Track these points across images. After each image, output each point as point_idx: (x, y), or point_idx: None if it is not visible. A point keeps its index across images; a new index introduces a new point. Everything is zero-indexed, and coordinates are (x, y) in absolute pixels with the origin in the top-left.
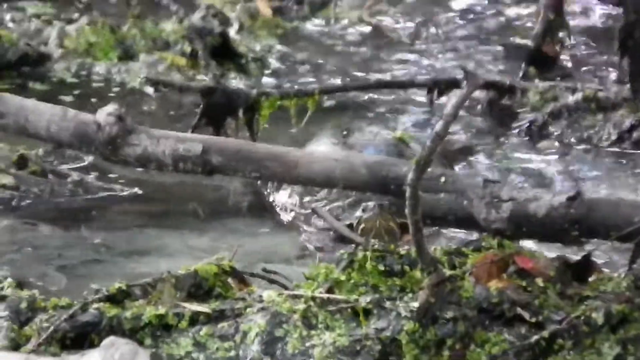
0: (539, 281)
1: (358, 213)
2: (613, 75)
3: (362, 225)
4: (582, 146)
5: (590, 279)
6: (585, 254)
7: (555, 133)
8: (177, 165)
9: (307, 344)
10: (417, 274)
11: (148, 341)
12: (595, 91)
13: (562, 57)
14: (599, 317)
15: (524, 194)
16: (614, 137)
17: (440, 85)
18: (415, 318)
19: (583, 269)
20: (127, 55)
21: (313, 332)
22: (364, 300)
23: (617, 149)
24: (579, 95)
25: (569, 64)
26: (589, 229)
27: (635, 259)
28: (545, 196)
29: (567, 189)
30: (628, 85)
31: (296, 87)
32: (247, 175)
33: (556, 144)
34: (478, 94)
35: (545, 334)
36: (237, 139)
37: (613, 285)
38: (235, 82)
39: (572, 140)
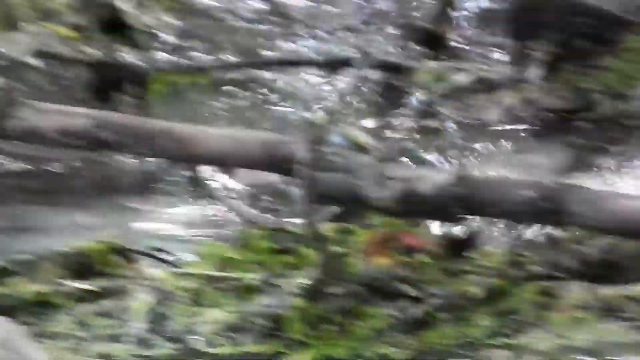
0: (423, 257)
1: None
2: (499, 55)
3: None
4: (470, 125)
5: (471, 255)
6: (467, 230)
7: (445, 113)
8: (64, 140)
9: (194, 321)
10: (307, 251)
11: (28, 319)
12: (482, 71)
13: (451, 37)
14: (477, 291)
15: (413, 173)
16: (498, 117)
17: (334, 64)
18: (303, 295)
19: (465, 245)
20: (10, 25)
21: (201, 309)
22: (254, 278)
23: (503, 129)
24: (466, 75)
25: (458, 44)
26: (473, 207)
27: (513, 235)
28: (433, 175)
29: (454, 168)
30: (514, 66)
31: (190, 62)
32: (137, 152)
33: (445, 123)
34: (371, 73)
35: (426, 307)
36: (128, 114)
37: (492, 260)
38: (127, 55)
39: (461, 119)
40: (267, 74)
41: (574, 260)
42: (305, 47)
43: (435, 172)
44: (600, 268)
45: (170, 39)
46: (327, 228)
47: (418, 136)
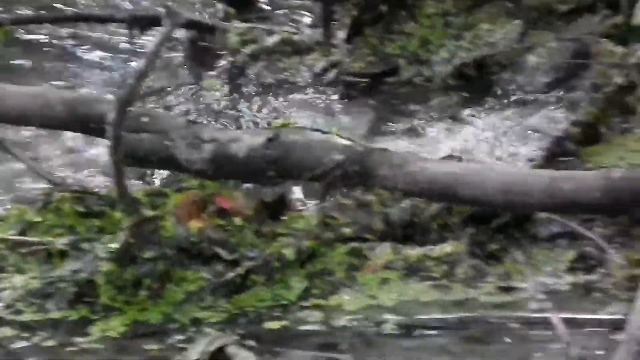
0: (237, 220)
1: None
2: (307, 19)
3: None
4: (279, 87)
5: (284, 217)
6: (280, 193)
7: (254, 74)
8: None
9: None
10: (117, 215)
11: None
12: (290, 34)
13: None
14: (290, 253)
15: (225, 134)
16: (309, 80)
17: (140, 22)
18: (113, 259)
19: (278, 208)
20: None
21: (3, 275)
22: (60, 242)
23: (311, 91)
24: (275, 38)
25: (266, 7)
26: (285, 169)
27: (324, 198)
28: (245, 137)
29: (266, 131)
30: (320, 29)
31: None
32: None
33: (254, 84)
34: (179, 32)
35: (240, 270)
36: None
37: (304, 222)
38: None
39: (270, 81)
40: (74, 31)
41: (381, 222)
42: (113, 4)
43: (248, 134)
44: (405, 229)
45: None
46: (138, 190)
47: (229, 97)
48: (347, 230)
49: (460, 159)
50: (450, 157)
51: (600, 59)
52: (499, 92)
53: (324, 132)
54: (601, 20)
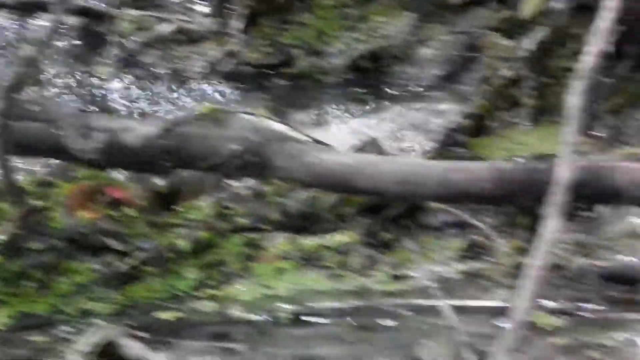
0: (130, 210)
1: None
2: (202, 8)
3: None
4: (174, 77)
5: (178, 208)
6: (174, 183)
7: (148, 62)
8: None
9: None
10: (3, 205)
11: None
12: (185, 23)
13: None
14: (184, 244)
15: (118, 124)
16: (204, 70)
17: (29, 7)
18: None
19: (172, 198)
20: None
21: None
22: None
23: (206, 81)
24: (169, 26)
25: None
26: (180, 159)
27: (220, 185)
28: (139, 126)
29: (162, 120)
30: (216, 19)
31: None
32: None
33: (148, 73)
34: (70, 19)
35: (132, 261)
36: None
37: (199, 213)
38: None
39: (164, 71)
40: None
41: (277, 212)
42: None
43: (142, 124)
44: (300, 219)
45: None
46: (25, 180)
47: (121, 86)
48: (242, 221)
49: (361, 150)
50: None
51: (489, 52)
52: (394, 84)
53: (251, 114)
54: (491, 13)
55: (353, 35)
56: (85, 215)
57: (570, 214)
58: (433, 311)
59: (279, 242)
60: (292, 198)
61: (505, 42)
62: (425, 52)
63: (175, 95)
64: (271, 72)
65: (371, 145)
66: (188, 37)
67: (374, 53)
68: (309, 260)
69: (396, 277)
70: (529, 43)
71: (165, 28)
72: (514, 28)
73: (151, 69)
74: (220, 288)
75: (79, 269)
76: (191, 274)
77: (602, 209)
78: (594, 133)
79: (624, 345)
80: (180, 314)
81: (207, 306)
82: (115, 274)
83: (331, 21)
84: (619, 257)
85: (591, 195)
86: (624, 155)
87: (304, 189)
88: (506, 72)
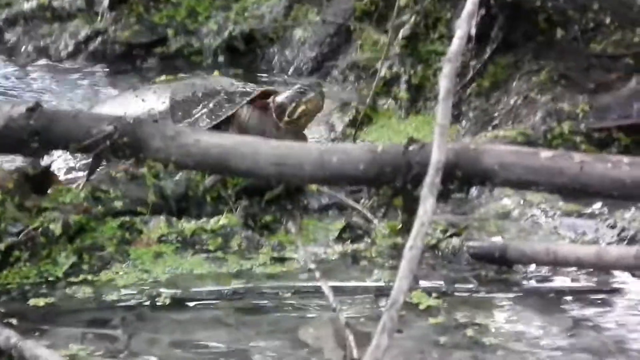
0: None
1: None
2: None
3: (303, 107)
4: (41, 57)
5: (49, 191)
6: (44, 166)
7: (12, 41)
8: None
9: None
10: None
11: None
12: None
13: None
14: (56, 227)
15: None
16: (70, 49)
17: None
18: None
19: (42, 181)
20: None
21: None
22: None
23: (74, 60)
24: (33, 3)
25: None
26: (49, 140)
27: (93, 170)
28: (4, 107)
29: (27, 100)
30: None
31: None
32: None
33: (15, 52)
34: None
35: (1, 246)
36: None
37: (72, 196)
38: None
39: (30, 49)
40: None
41: (154, 195)
42: None
43: (8, 104)
44: (179, 202)
45: None
46: None
47: None
48: (118, 204)
49: None
50: None
51: (362, 40)
52: (267, 66)
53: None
54: None
55: (226, 15)
56: None
57: (444, 195)
58: (315, 293)
59: (157, 225)
60: (169, 180)
61: (380, 36)
62: (298, 34)
63: (41, 74)
64: (142, 51)
65: None
66: (54, 15)
67: (247, 34)
68: (188, 243)
69: (277, 260)
70: (402, 32)
71: (28, 4)
72: (384, 12)
73: (15, 46)
74: (96, 273)
75: None
76: (65, 258)
77: (474, 191)
78: (462, 116)
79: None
80: (53, 300)
81: (83, 291)
82: None
83: (203, 1)
84: (491, 237)
85: (462, 177)
86: (492, 138)
87: (181, 170)
88: (384, 69)
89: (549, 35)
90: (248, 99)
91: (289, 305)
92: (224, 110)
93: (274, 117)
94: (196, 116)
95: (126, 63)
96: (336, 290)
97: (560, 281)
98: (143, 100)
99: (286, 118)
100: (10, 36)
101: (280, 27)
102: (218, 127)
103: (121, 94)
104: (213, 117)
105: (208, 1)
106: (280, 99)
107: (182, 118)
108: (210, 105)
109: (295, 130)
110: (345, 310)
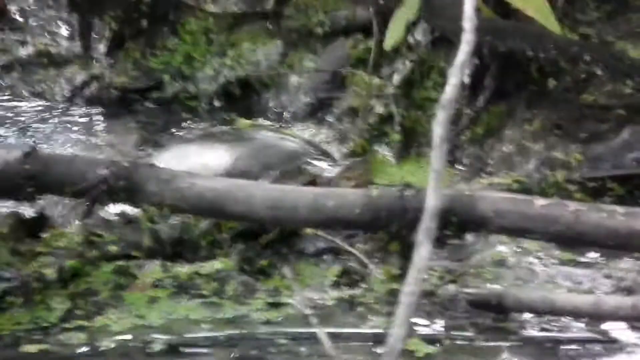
0: None
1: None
2: (64, 30)
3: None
4: (36, 101)
5: (44, 235)
6: (39, 209)
7: (8, 86)
8: None
9: None
10: None
11: None
12: (47, 46)
13: (10, 8)
14: (50, 272)
15: None
16: (67, 93)
17: None
18: None
19: (37, 225)
20: None
21: None
22: None
23: (71, 104)
24: (30, 49)
25: (19, 18)
26: (45, 185)
27: (89, 213)
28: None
29: (22, 145)
30: (79, 42)
31: None
32: None
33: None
34: None
35: None
36: None
37: (66, 240)
38: None
39: (25, 94)
40: None
41: (148, 239)
42: None
43: (3, 148)
44: (174, 246)
45: None
46: None
47: None
48: (113, 248)
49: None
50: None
51: (356, 86)
52: (263, 111)
53: None
54: (354, 44)
55: (221, 61)
56: None
57: (440, 242)
58: (311, 339)
59: (152, 269)
60: (164, 224)
61: (373, 79)
62: (294, 80)
63: (38, 119)
64: (139, 96)
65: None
66: (50, 60)
67: (243, 80)
68: (184, 288)
69: (273, 305)
70: (396, 79)
71: (25, 50)
72: (378, 59)
73: (11, 92)
74: (91, 318)
75: None
76: (59, 304)
77: (470, 238)
78: (457, 162)
79: None
80: (47, 347)
81: (77, 337)
82: None
83: (199, 46)
84: (487, 285)
85: (458, 223)
86: (487, 185)
87: (176, 214)
88: (379, 109)
89: (542, 84)
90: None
91: (285, 352)
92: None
93: None
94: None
95: (122, 107)
96: (333, 336)
97: (557, 330)
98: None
99: None
100: (6, 82)
101: (276, 73)
102: None
103: (186, 143)
104: None
105: (204, 47)
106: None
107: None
108: (277, 175)
109: None
110: (341, 357)
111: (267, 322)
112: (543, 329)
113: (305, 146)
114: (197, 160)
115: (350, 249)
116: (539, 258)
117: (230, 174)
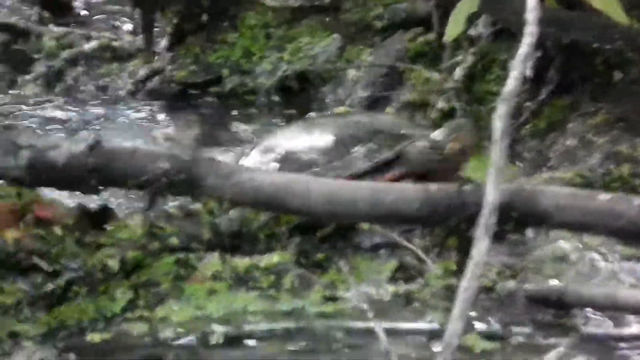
0: (57, 229)
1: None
2: (127, 25)
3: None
4: (100, 94)
5: (107, 227)
6: (103, 202)
7: (72, 80)
8: None
9: None
10: None
11: None
12: (110, 40)
13: (75, 3)
14: (114, 263)
15: (44, 141)
16: (129, 87)
17: None
18: None
19: (101, 217)
20: None
21: None
22: None
23: (133, 98)
24: (94, 43)
25: (83, 11)
26: (108, 177)
27: (151, 206)
28: (65, 144)
29: (87, 137)
30: (141, 36)
31: None
32: None
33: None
34: None
35: (60, 282)
36: None
37: (129, 232)
38: None
39: (89, 88)
40: None
41: (208, 232)
42: None
43: (68, 141)
44: (233, 239)
45: None
46: None
47: (46, 103)
48: (173, 240)
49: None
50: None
51: (415, 80)
52: (321, 105)
53: None
54: (413, 37)
55: (280, 55)
56: (11, 234)
57: (499, 237)
58: (366, 333)
59: (211, 262)
60: (223, 217)
61: (432, 74)
62: (352, 73)
63: (101, 112)
64: (197, 90)
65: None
66: (113, 55)
67: (300, 74)
68: (242, 280)
69: (329, 299)
70: (457, 73)
71: (89, 45)
72: (437, 52)
73: (76, 86)
74: (152, 309)
75: (6, 289)
76: (121, 294)
77: (531, 233)
78: (518, 157)
79: None
80: (110, 336)
81: (138, 327)
82: (44, 295)
83: (258, 41)
84: (548, 280)
85: (518, 218)
86: (548, 180)
87: (235, 207)
88: (441, 104)
89: (607, 77)
90: (407, 143)
91: (341, 346)
92: (382, 152)
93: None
94: (354, 155)
95: (182, 101)
96: (388, 331)
97: (619, 327)
98: (308, 134)
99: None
100: (71, 76)
101: (334, 67)
102: (377, 169)
103: (291, 125)
104: (370, 158)
105: (262, 42)
106: (434, 136)
107: (340, 156)
108: (371, 145)
109: (450, 169)
110: (397, 352)
111: (324, 316)
112: (604, 326)
113: (395, 121)
114: (302, 139)
115: (407, 244)
116: (601, 254)
117: (329, 151)
